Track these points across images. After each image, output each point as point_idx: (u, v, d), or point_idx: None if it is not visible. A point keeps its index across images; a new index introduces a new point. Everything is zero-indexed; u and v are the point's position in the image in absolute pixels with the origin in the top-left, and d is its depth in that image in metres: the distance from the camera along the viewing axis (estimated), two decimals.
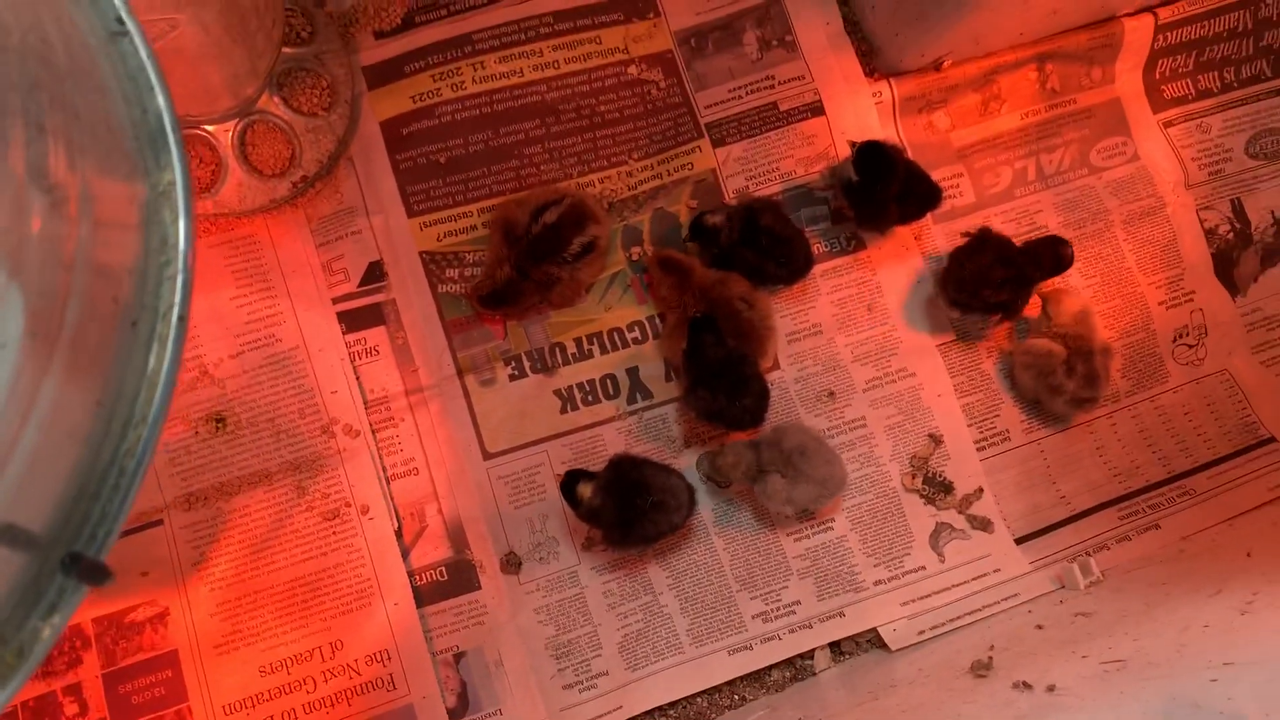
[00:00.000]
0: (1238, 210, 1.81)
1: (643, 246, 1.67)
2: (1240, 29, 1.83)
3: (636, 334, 1.64)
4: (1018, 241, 1.62)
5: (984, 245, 1.59)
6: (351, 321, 1.59)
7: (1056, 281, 1.69)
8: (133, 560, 1.46)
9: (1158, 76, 1.83)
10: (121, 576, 1.45)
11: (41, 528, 0.69)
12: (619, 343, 1.64)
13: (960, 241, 1.64)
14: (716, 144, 1.70)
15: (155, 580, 1.45)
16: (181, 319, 0.74)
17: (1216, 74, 1.85)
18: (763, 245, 1.57)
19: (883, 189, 1.56)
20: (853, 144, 1.58)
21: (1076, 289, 1.70)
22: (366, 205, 1.62)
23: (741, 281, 1.59)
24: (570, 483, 1.46)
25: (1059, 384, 1.60)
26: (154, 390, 0.73)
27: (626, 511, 1.43)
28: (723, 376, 1.46)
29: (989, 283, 1.56)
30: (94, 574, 0.69)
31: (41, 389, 0.64)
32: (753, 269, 1.59)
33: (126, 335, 0.74)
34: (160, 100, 0.79)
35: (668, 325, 1.61)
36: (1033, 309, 1.68)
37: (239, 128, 1.56)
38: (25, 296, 0.61)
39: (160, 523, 1.48)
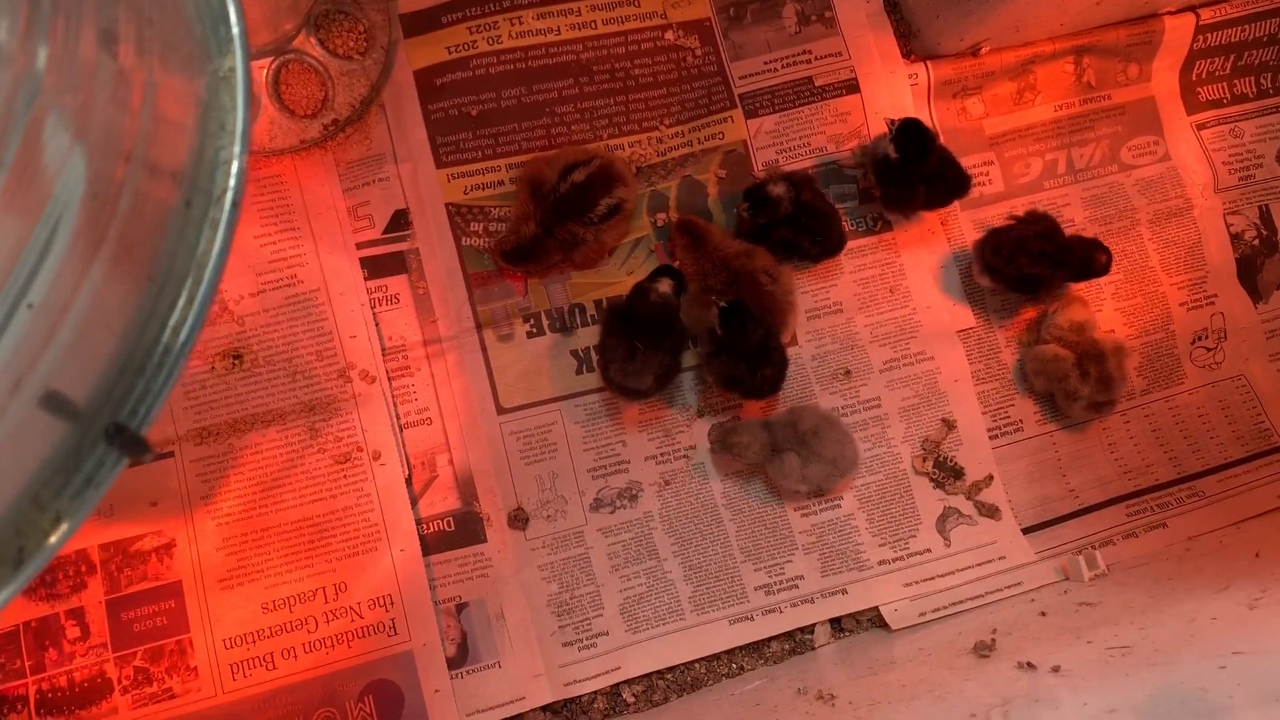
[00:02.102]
0: (1265, 217, 1.81)
1: (668, 213, 1.66)
2: None
3: None
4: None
5: (1033, 220, 1.59)
6: (374, 268, 1.59)
7: (1081, 288, 1.68)
8: (142, 490, 1.46)
9: (1194, 78, 1.82)
10: (129, 505, 1.45)
11: (84, 399, 0.69)
12: None
13: (999, 223, 1.64)
14: (749, 115, 1.70)
15: (163, 511, 1.45)
16: (235, 204, 0.74)
17: (1253, 79, 1.84)
18: (801, 221, 1.57)
19: (919, 167, 1.56)
20: (890, 121, 1.57)
21: (1086, 302, 1.67)
22: (395, 153, 1.62)
23: (766, 255, 1.58)
24: (660, 271, 1.52)
25: (1074, 389, 1.59)
26: (203, 272, 0.74)
27: (629, 333, 1.46)
28: (744, 345, 1.46)
29: (1027, 251, 1.55)
30: (134, 446, 0.69)
31: (98, 256, 0.64)
32: (786, 244, 1.59)
33: (180, 215, 0.74)
34: None
35: (688, 293, 1.60)
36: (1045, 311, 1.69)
37: (274, 65, 1.56)
38: (89, 158, 0.61)
39: (171, 454, 1.48)
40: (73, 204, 0.61)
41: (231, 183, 0.73)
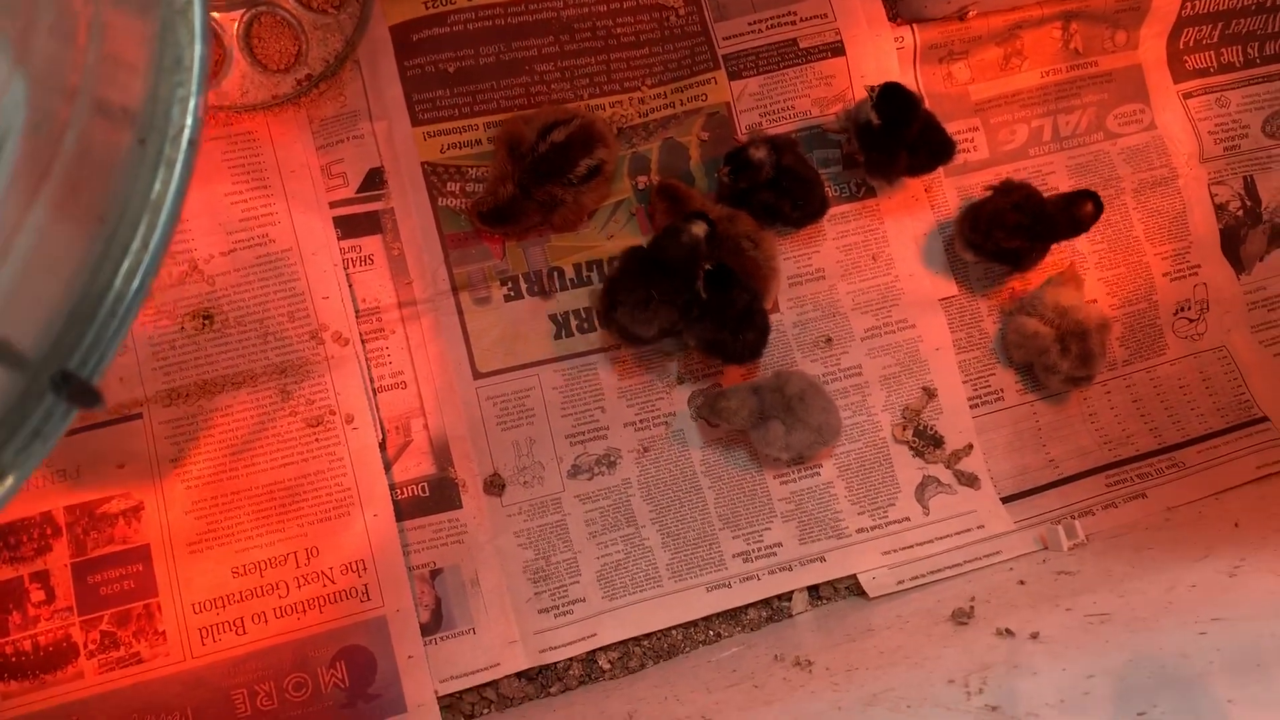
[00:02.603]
0: (1250, 188, 1.80)
1: (650, 176, 1.63)
2: (1268, 4, 1.81)
3: None
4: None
5: (1008, 191, 1.57)
6: (347, 227, 1.55)
7: (1069, 254, 1.67)
8: (109, 452, 1.42)
9: (1181, 46, 1.80)
10: (96, 467, 1.42)
11: (31, 346, 0.66)
12: None
13: (981, 193, 1.62)
14: (732, 77, 1.67)
15: (131, 473, 1.42)
16: (192, 143, 0.71)
17: (1240, 48, 1.82)
18: (782, 185, 1.54)
19: (902, 132, 1.53)
20: (871, 87, 1.54)
21: (1081, 282, 1.65)
22: (370, 110, 1.58)
23: (748, 220, 1.56)
24: (698, 216, 1.45)
25: (1053, 363, 1.59)
26: (158, 215, 0.70)
27: (648, 279, 1.43)
28: (730, 310, 1.44)
29: (1003, 225, 1.54)
30: (84, 396, 0.66)
31: (41, 193, 0.61)
32: (767, 208, 1.57)
33: (133, 153, 0.70)
34: None
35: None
36: (1029, 281, 1.68)
37: (245, 18, 1.52)
38: (30, 86, 0.58)
39: (139, 416, 1.44)
40: (13, 136, 0.57)
41: (189, 120, 0.69)
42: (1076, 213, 1.57)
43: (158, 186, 0.69)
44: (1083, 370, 1.59)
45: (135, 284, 0.69)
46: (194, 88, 0.70)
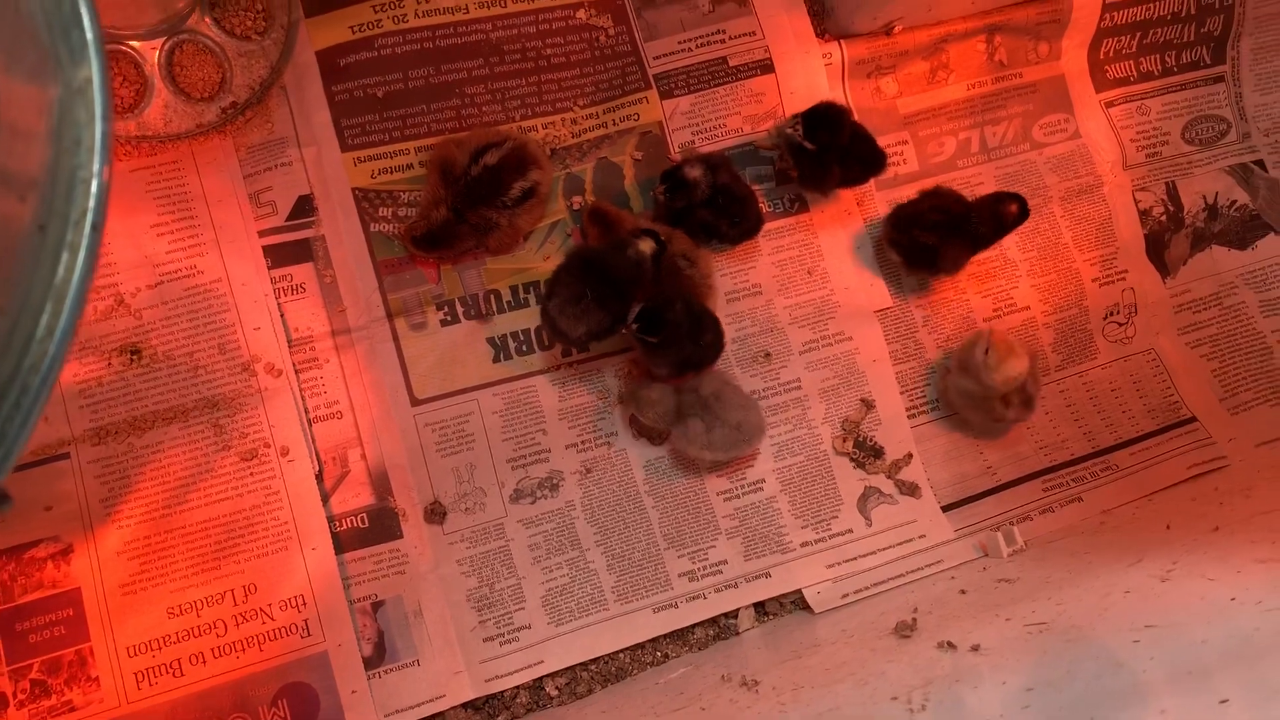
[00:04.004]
0: (1172, 193, 1.84)
1: (584, 196, 1.63)
2: (1184, 14, 1.86)
3: None
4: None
5: (936, 194, 1.60)
6: (277, 256, 1.53)
7: (996, 264, 1.69)
8: (36, 494, 1.38)
9: (1102, 56, 1.84)
10: (23, 510, 1.38)
11: None
12: None
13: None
14: (664, 96, 1.67)
15: (59, 516, 1.38)
16: (95, 228, 0.68)
17: (1158, 57, 1.87)
18: (719, 203, 1.55)
19: (834, 144, 1.55)
20: (794, 119, 1.56)
21: (1016, 350, 1.54)
22: (298, 136, 1.56)
23: (684, 239, 1.56)
24: (649, 234, 1.44)
25: (1000, 414, 1.60)
26: (62, 303, 0.67)
27: (586, 276, 1.43)
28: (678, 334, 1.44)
29: (921, 222, 1.57)
30: None
31: None
32: (705, 226, 1.57)
33: (33, 240, 0.68)
34: None
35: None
36: (962, 288, 1.69)
37: (167, 46, 1.49)
38: None
39: (66, 456, 1.40)
40: None
41: (91, 204, 0.67)
42: (1000, 210, 1.58)
43: (61, 273, 0.67)
44: (1025, 413, 1.61)
45: (40, 376, 0.66)
46: (96, 168, 0.67)
